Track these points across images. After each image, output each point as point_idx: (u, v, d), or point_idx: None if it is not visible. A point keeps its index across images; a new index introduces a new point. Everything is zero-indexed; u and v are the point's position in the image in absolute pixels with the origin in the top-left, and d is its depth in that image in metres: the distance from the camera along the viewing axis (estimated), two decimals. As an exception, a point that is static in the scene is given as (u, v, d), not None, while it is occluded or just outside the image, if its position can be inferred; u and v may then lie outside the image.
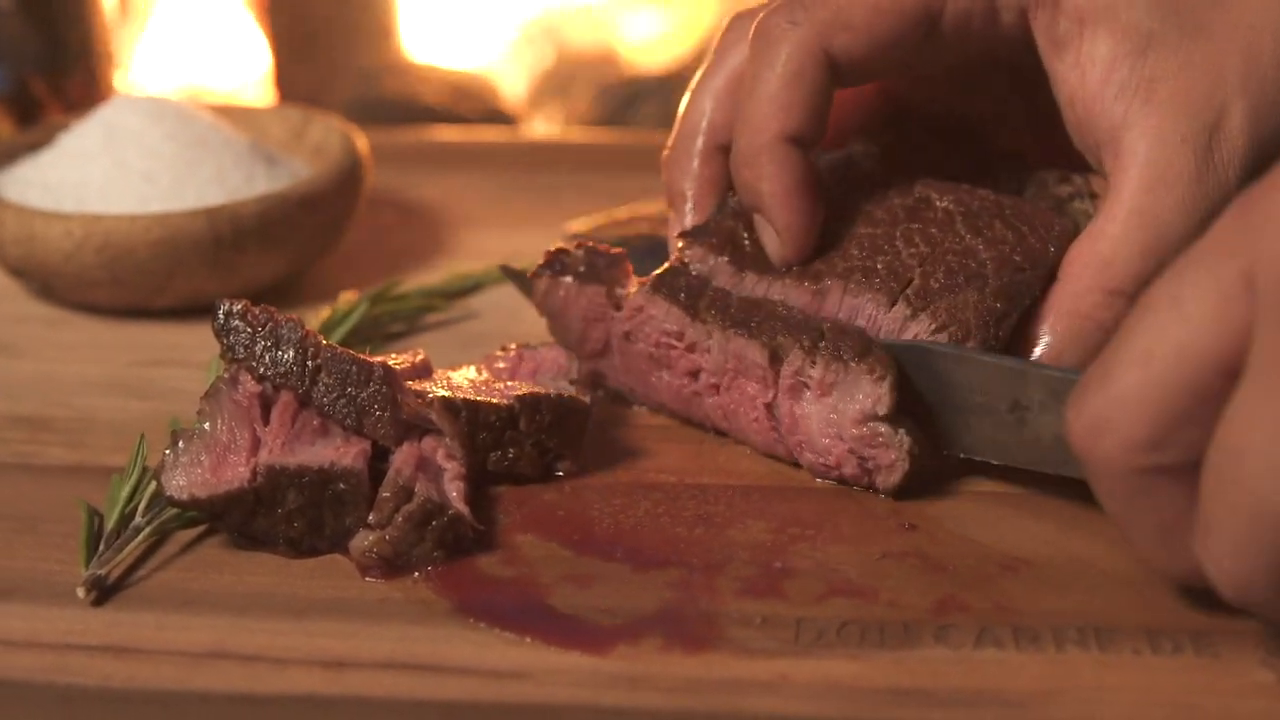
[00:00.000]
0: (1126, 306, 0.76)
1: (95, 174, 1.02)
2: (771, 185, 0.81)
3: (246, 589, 0.73)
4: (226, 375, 0.79)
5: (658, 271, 0.84)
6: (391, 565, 0.75)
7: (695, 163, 0.87)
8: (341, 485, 0.76)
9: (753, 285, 0.84)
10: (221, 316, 0.81)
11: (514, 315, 1.02)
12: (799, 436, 0.80)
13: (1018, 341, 0.80)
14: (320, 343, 0.80)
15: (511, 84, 1.96)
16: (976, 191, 0.85)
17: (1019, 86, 0.86)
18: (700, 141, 0.87)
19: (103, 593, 0.73)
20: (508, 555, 0.76)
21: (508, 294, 1.05)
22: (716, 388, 0.83)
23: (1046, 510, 0.78)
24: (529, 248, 1.10)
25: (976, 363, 0.77)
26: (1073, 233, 0.83)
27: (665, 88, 1.73)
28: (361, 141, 1.08)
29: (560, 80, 1.97)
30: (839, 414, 0.78)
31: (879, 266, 0.81)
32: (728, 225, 0.86)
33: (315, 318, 0.96)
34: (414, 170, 1.25)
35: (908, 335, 0.79)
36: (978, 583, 0.73)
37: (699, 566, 0.74)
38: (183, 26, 1.84)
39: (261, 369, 0.80)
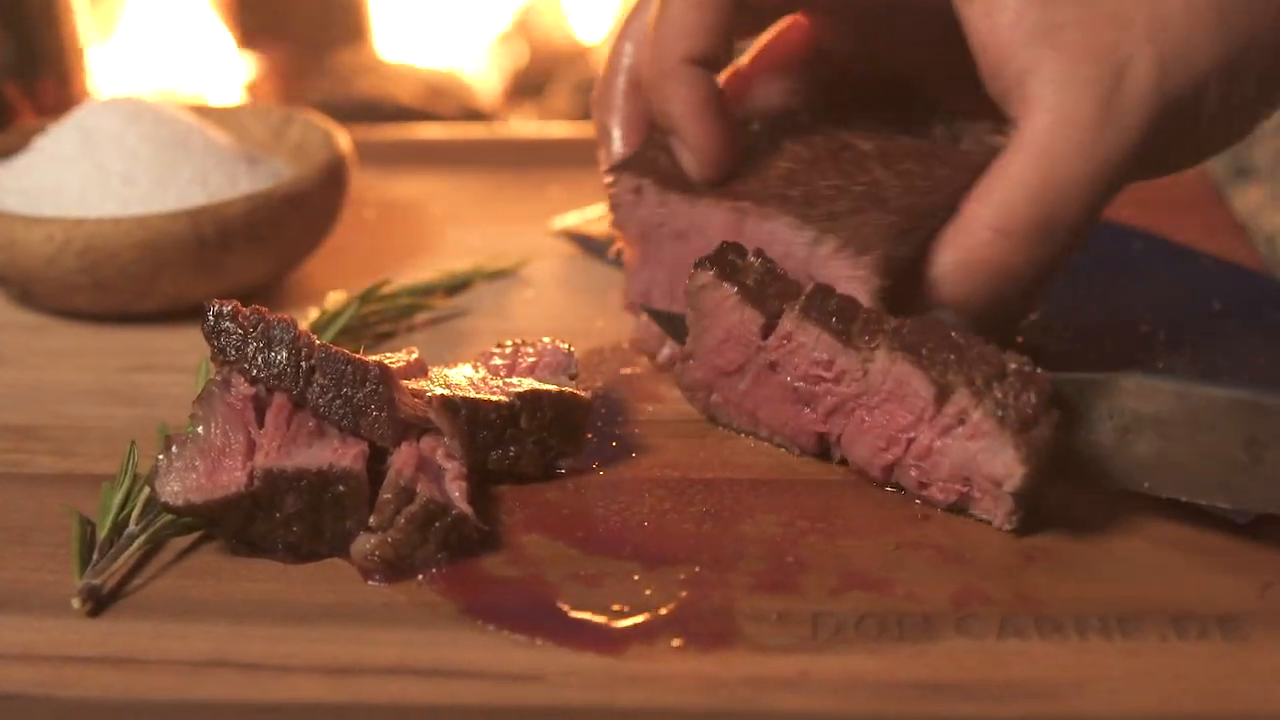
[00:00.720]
0: (1016, 251, 0.75)
1: (73, 178, 0.99)
2: (681, 106, 0.82)
3: (245, 595, 0.71)
4: (219, 378, 0.77)
5: (806, 293, 0.79)
6: (394, 568, 0.73)
7: (619, 100, 0.89)
8: (341, 487, 0.74)
9: (677, 206, 0.85)
10: (211, 318, 0.79)
11: (503, 312, 1.00)
12: (924, 461, 0.76)
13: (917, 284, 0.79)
14: (314, 343, 0.78)
15: (486, 82, 1.94)
16: (900, 139, 0.87)
17: (947, 38, 0.84)
18: (623, 80, 0.89)
19: (98, 603, 0.71)
20: (513, 555, 0.74)
21: (496, 291, 1.03)
22: (853, 410, 0.78)
23: (1062, 498, 0.76)
24: (514, 245, 1.09)
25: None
26: (980, 167, 0.81)
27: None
28: (344, 139, 1.06)
29: (535, 77, 1.96)
30: (976, 462, 0.74)
31: (795, 194, 0.83)
32: (650, 155, 0.87)
33: (304, 318, 0.94)
34: (395, 168, 1.23)
35: (819, 256, 0.80)
36: (996, 573, 0.71)
37: (710, 562, 0.73)
38: (151, 28, 1.81)
39: (254, 371, 0.78)
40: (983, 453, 0.73)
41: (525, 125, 1.50)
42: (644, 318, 0.90)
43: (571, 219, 1.11)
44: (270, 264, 0.99)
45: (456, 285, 1.03)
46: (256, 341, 0.78)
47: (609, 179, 0.87)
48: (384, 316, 0.97)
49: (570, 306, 1.02)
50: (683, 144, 0.83)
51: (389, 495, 0.73)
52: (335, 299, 0.97)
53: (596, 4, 2.07)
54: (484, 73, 1.95)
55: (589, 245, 1.08)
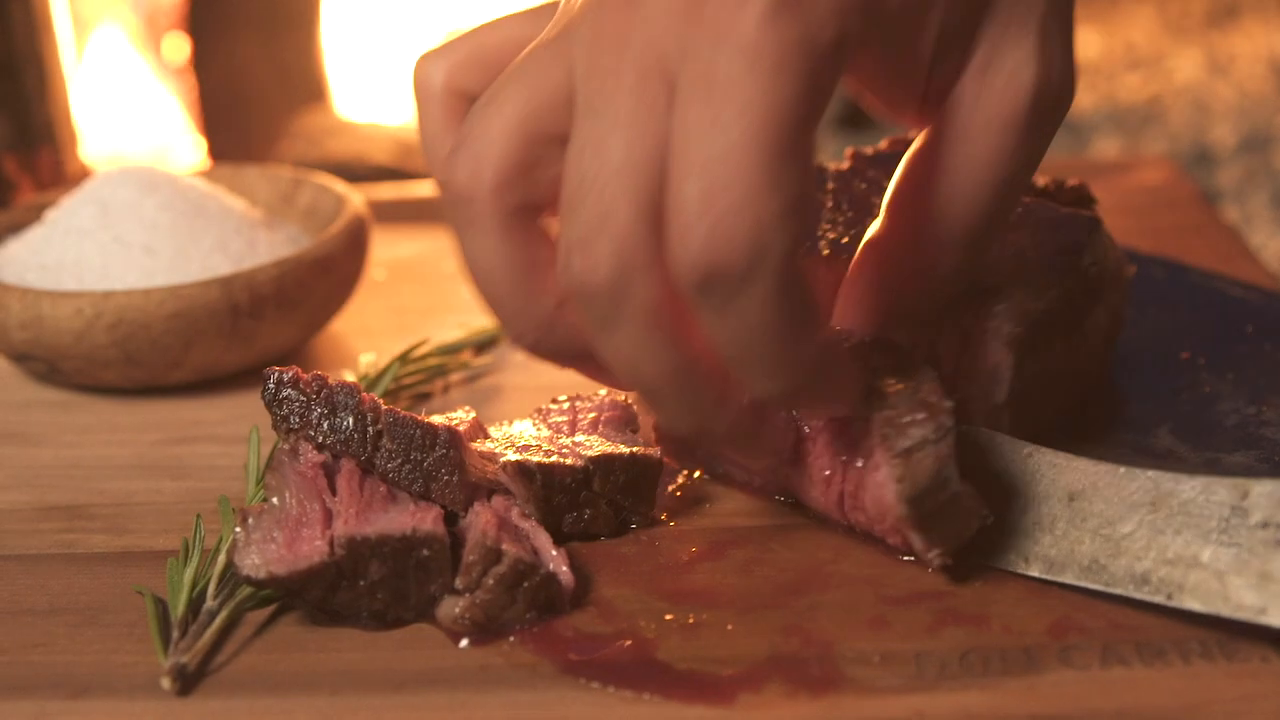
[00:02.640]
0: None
1: (93, 251, 0.98)
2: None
3: (337, 666, 0.70)
4: (286, 447, 0.76)
5: None
6: (484, 630, 0.72)
7: None
8: (425, 551, 0.73)
9: None
10: (271, 386, 0.78)
11: (533, 367, 1.00)
12: (856, 498, 0.76)
13: None
14: (379, 407, 0.77)
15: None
16: None
17: None
18: None
19: (186, 682, 0.69)
20: (602, 611, 0.73)
21: (525, 346, 1.03)
22: (804, 448, 0.78)
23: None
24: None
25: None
26: (1095, 226, 0.85)
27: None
28: (359, 201, 1.05)
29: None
30: (879, 492, 0.73)
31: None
32: None
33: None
34: (395, 228, 1.22)
35: None
36: (1087, 602, 0.72)
37: (801, 608, 0.73)
38: (108, 95, 1.79)
39: (320, 438, 0.77)
40: (876, 482, 0.73)
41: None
42: None
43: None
44: (299, 330, 0.98)
45: (483, 342, 1.02)
46: (320, 408, 0.77)
47: None
48: (420, 376, 0.96)
49: (606, 359, 1.01)
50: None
51: (474, 557, 0.73)
52: (368, 362, 0.97)
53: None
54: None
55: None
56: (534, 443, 0.80)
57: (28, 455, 0.91)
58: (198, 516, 0.78)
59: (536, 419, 0.84)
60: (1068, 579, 0.72)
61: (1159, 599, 0.70)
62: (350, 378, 0.93)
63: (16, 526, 0.83)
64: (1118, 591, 0.71)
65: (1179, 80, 2.18)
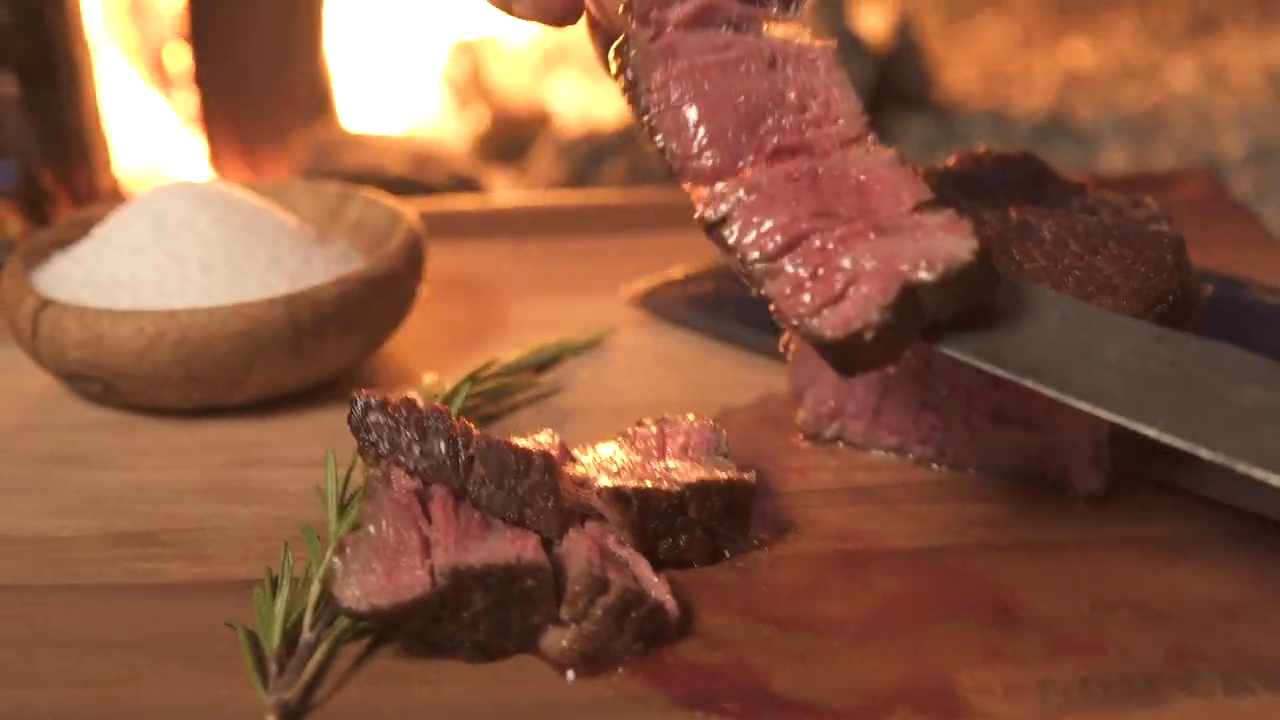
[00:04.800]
0: None
1: (149, 267, 0.96)
2: None
3: (444, 700, 0.69)
4: (379, 474, 0.75)
5: None
6: (591, 661, 0.70)
7: None
8: (529, 581, 0.71)
9: None
10: (359, 410, 0.77)
11: (601, 386, 0.99)
12: None
13: None
14: (471, 432, 0.76)
15: (454, 145, 1.92)
16: (1074, 216, 0.88)
17: None
18: None
19: (292, 718, 0.67)
20: (708, 640, 0.72)
21: (584, 364, 1.01)
22: None
23: (1233, 554, 0.77)
24: (588, 315, 1.08)
25: None
26: (1179, 246, 0.85)
27: (628, 142, 1.70)
28: (413, 215, 1.03)
29: (503, 140, 1.94)
30: None
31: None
32: None
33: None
34: (437, 243, 1.21)
35: None
36: (1203, 630, 0.71)
37: (911, 636, 0.71)
38: (116, 107, 1.77)
39: (410, 463, 0.75)
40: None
41: (568, 194, 1.48)
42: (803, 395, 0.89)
43: (642, 285, 1.09)
44: (358, 348, 0.97)
45: (545, 361, 1.00)
46: (410, 432, 0.76)
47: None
48: (484, 398, 0.95)
49: (668, 377, 1.00)
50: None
51: (580, 586, 0.71)
52: (431, 382, 0.95)
53: (548, 55, 2.06)
54: (450, 137, 1.93)
55: (667, 313, 1.06)
56: (625, 467, 0.79)
57: (89, 479, 0.89)
58: (285, 545, 0.76)
59: (624, 442, 0.82)
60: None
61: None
62: (417, 399, 0.92)
63: (88, 554, 0.81)
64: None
65: (1177, 90, 2.19)
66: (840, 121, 0.77)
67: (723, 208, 0.75)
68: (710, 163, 0.76)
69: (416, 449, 0.75)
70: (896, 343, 0.72)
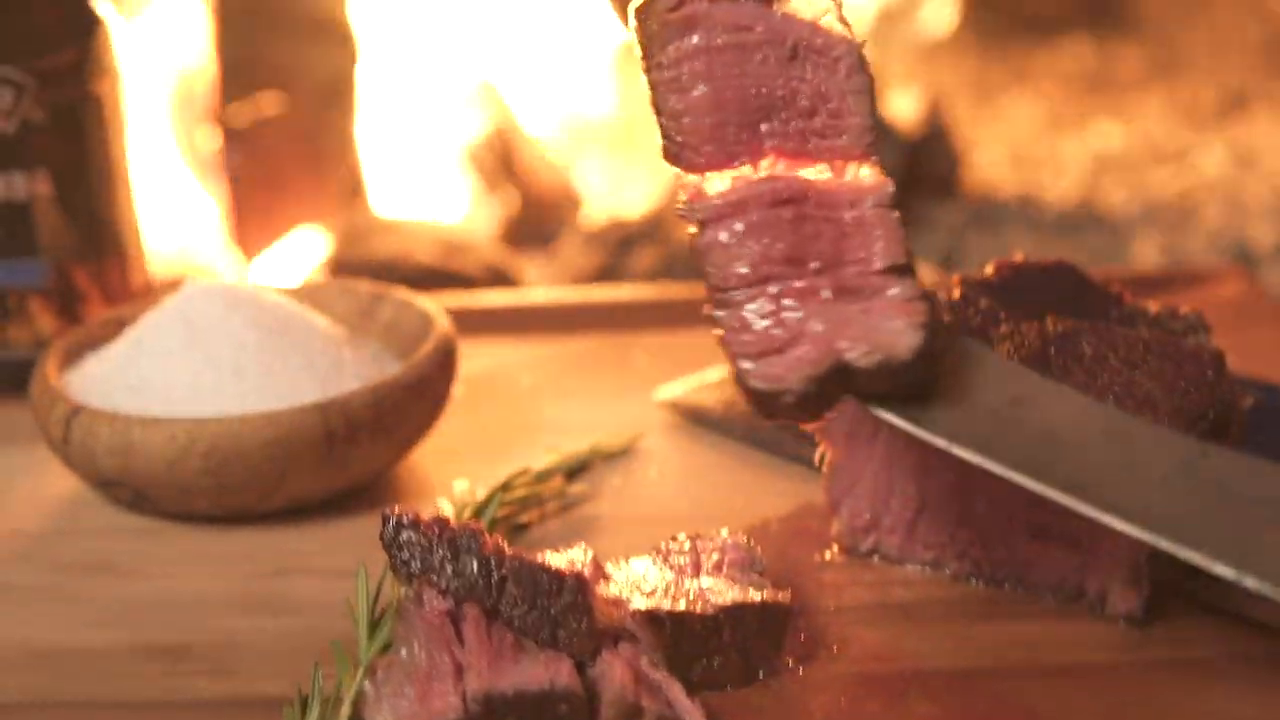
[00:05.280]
0: None
1: (182, 371, 0.96)
2: None
3: (475, 830, 0.67)
4: (412, 594, 0.74)
5: None
6: (624, 789, 0.69)
7: None
8: (563, 707, 0.70)
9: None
10: (391, 529, 0.76)
11: (632, 496, 0.98)
12: None
13: None
14: (503, 550, 0.75)
15: (484, 232, 1.92)
16: (1113, 329, 0.86)
17: None
18: None
19: None
20: (744, 768, 0.71)
21: (615, 471, 1.01)
22: None
23: (1277, 677, 0.75)
24: (619, 419, 1.07)
25: None
26: (1219, 360, 0.85)
27: (656, 230, 1.70)
28: (443, 318, 1.03)
29: (534, 225, 1.94)
30: None
31: None
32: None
33: (433, 511, 0.91)
34: (467, 339, 1.20)
35: None
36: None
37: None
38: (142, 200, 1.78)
39: (443, 582, 0.74)
40: None
41: (596, 290, 1.48)
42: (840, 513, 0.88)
43: (675, 389, 1.08)
44: (390, 454, 0.96)
45: (576, 467, 1.00)
46: (443, 550, 0.75)
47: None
48: (514, 506, 0.94)
49: (701, 487, 0.99)
50: None
51: (613, 713, 0.70)
52: (462, 491, 0.94)
53: (577, 140, 2.06)
54: (479, 222, 1.93)
55: (700, 418, 1.06)
56: (659, 586, 0.78)
57: (120, 588, 0.88)
58: (316, 665, 0.75)
59: (657, 558, 0.82)
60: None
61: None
62: (447, 508, 0.91)
63: (118, 668, 0.81)
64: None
65: (1208, 175, 2.18)
66: (844, 138, 0.77)
67: (703, 214, 0.75)
68: (706, 155, 0.76)
69: (449, 568, 0.75)
70: (817, 407, 0.74)
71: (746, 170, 0.77)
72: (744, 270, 0.75)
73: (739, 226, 0.75)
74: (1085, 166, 2.30)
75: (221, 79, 1.78)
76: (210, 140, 1.81)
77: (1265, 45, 3.00)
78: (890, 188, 0.76)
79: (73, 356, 1.02)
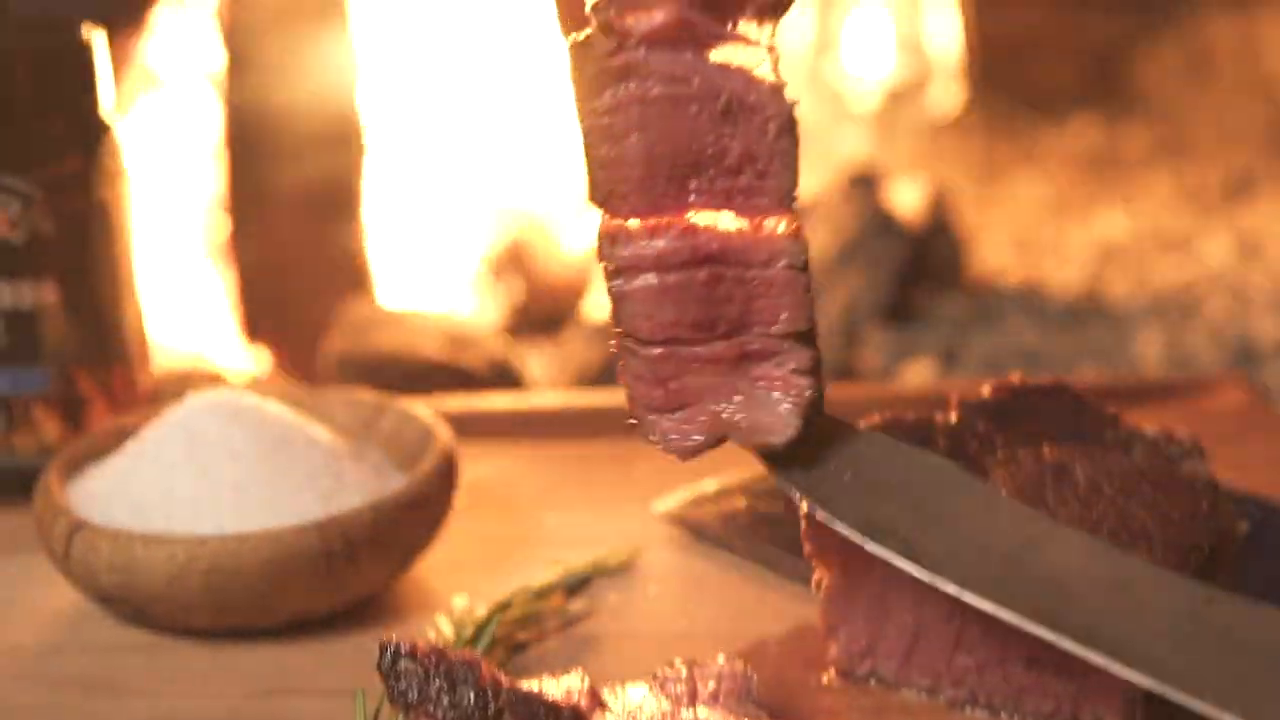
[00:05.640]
0: None
1: (182, 487, 0.96)
2: None
3: None
4: (409, 725, 0.74)
5: None
6: None
7: None
8: (557, 842, 0.70)
9: None
10: (388, 658, 0.76)
11: (631, 614, 0.98)
12: None
13: None
14: (500, 682, 0.75)
15: (489, 324, 1.93)
16: (1108, 456, 0.87)
17: None
18: None
19: None
20: None
21: (615, 587, 1.01)
22: None
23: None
24: (618, 531, 1.07)
25: None
26: (1214, 490, 0.86)
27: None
28: (445, 432, 1.04)
29: (540, 315, 1.95)
30: None
31: None
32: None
33: (432, 629, 0.91)
34: (466, 443, 1.21)
35: None
36: None
37: None
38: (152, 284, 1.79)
39: (439, 713, 0.75)
40: None
41: (597, 394, 1.48)
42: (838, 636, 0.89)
43: (674, 502, 1.09)
44: (389, 571, 0.97)
45: (576, 583, 1.00)
46: (439, 680, 0.75)
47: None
48: (514, 625, 0.94)
49: (700, 604, 0.99)
50: None
51: None
52: (461, 608, 0.94)
53: (584, 230, 2.08)
54: (485, 312, 1.95)
55: (699, 532, 1.06)
56: (655, 716, 0.78)
57: (120, 709, 0.88)
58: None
59: (654, 686, 0.82)
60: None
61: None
62: (446, 627, 0.92)
63: (115, 795, 0.81)
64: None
65: (1212, 264, 2.19)
66: (767, 199, 0.76)
67: (619, 262, 0.75)
68: (631, 203, 0.76)
69: (445, 699, 0.75)
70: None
71: (670, 222, 0.76)
72: (654, 327, 0.76)
73: (654, 280, 0.75)
74: (1090, 254, 2.31)
75: (231, 172, 1.80)
76: (219, 231, 1.83)
77: (1271, 127, 3.02)
78: (803, 250, 0.76)
79: (76, 467, 1.02)
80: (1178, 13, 3.63)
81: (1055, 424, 0.91)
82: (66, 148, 1.10)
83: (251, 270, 1.81)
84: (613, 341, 0.79)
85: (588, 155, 0.76)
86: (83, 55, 1.11)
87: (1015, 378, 0.94)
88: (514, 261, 2.02)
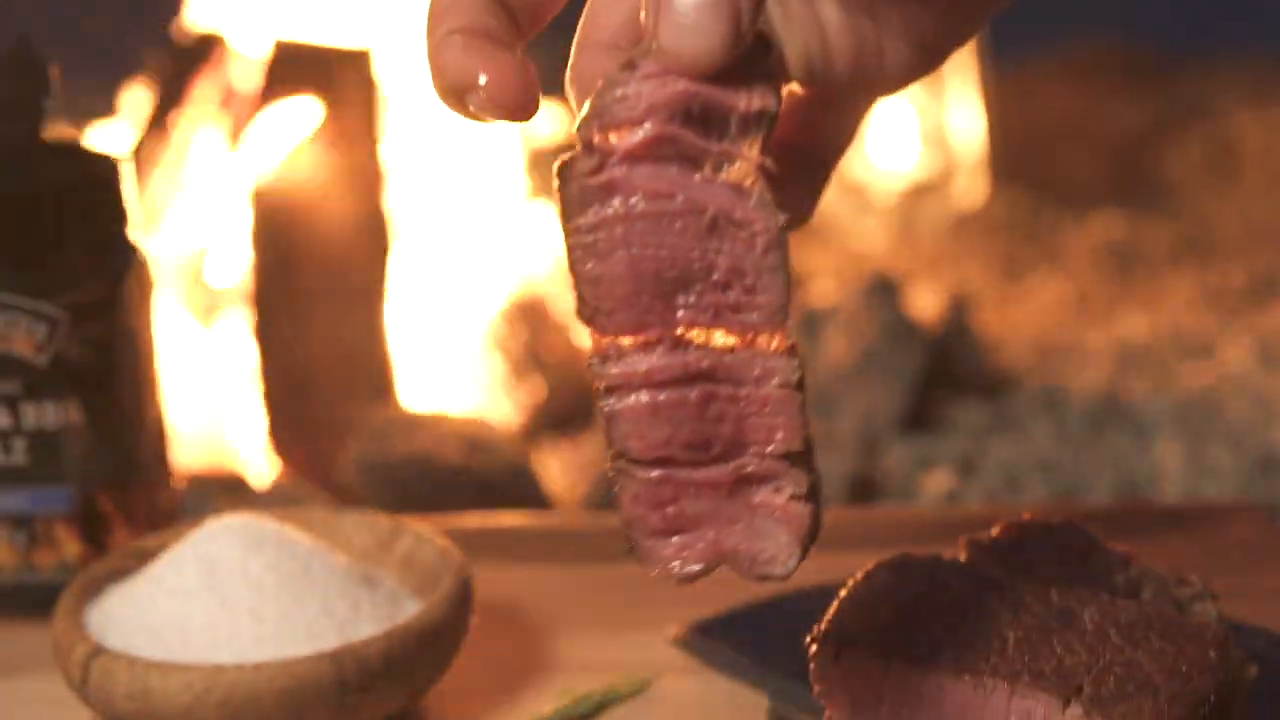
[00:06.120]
0: None
1: (199, 614, 0.97)
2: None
3: None
4: None
5: None
6: None
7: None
8: None
9: (901, 677, 0.84)
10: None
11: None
12: None
13: None
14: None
15: (509, 424, 1.95)
16: (1115, 601, 0.87)
17: None
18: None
19: None
20: None
21: (629, 715, 1.01)
22: None
23: None
24: (634, 656, 1.08)
25: None
26: (1223, 638, 0.85)
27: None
28: (459, 557, 1.05)
29: (560, 413, 1.97)
30: None
31: (1045, 670, 0.81)
32: (856, 614, 0.87)
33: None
34: (484, 562, 1.21)
35: None
36: None
37: None
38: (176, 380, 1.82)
39: None
40: None
41: (610, 515, 1.49)
42: None
43: (686, 622, 1.09)
44: (403, 699, 0.97)
45: (590, 712, 1.01)
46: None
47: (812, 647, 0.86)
48: (527, 754, 0.95)
49: (714, 735, 1.00)
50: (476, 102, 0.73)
51: None
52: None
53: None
54: (506, 415, 1.96)
55: (710, 655, 1.06)
56: None
57: (131, 839, 0.89)
58: None
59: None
60: None
61: None
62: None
63: None
64: None
65: (1233, 370, 2.19)
66: (757, 314, 0.73)
67: (609, 380, 0.73)
68: (618, 321, 0.74)
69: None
70: None
71: (659, 340, 0.75)
72: (645, 447, 0.74)
73: (644, 399, 0.73)
74: (1111, 358, 2.32)
75: (258, 279, 1.82)
76: (244, 334, 1.85)
77: (1295, 225, 3.03)
78: (797, 368, 0.74)
79: (96, 588, 1.04)
80: (1202, 106, 3.66)
81: (1065, 565, 0.91)
82: (92, 273, 1.12)
83: (275, 374, 1.83)
84: (608, 465, 0.76)
85: (573, 272, 0.74)
86: (109, 182, 1.13)
87: (1026, 516, 0.95)
88: (534, 361, 2.04)
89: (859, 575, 0.91)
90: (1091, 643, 0.83)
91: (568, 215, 0.74)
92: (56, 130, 1.14)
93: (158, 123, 1.89)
